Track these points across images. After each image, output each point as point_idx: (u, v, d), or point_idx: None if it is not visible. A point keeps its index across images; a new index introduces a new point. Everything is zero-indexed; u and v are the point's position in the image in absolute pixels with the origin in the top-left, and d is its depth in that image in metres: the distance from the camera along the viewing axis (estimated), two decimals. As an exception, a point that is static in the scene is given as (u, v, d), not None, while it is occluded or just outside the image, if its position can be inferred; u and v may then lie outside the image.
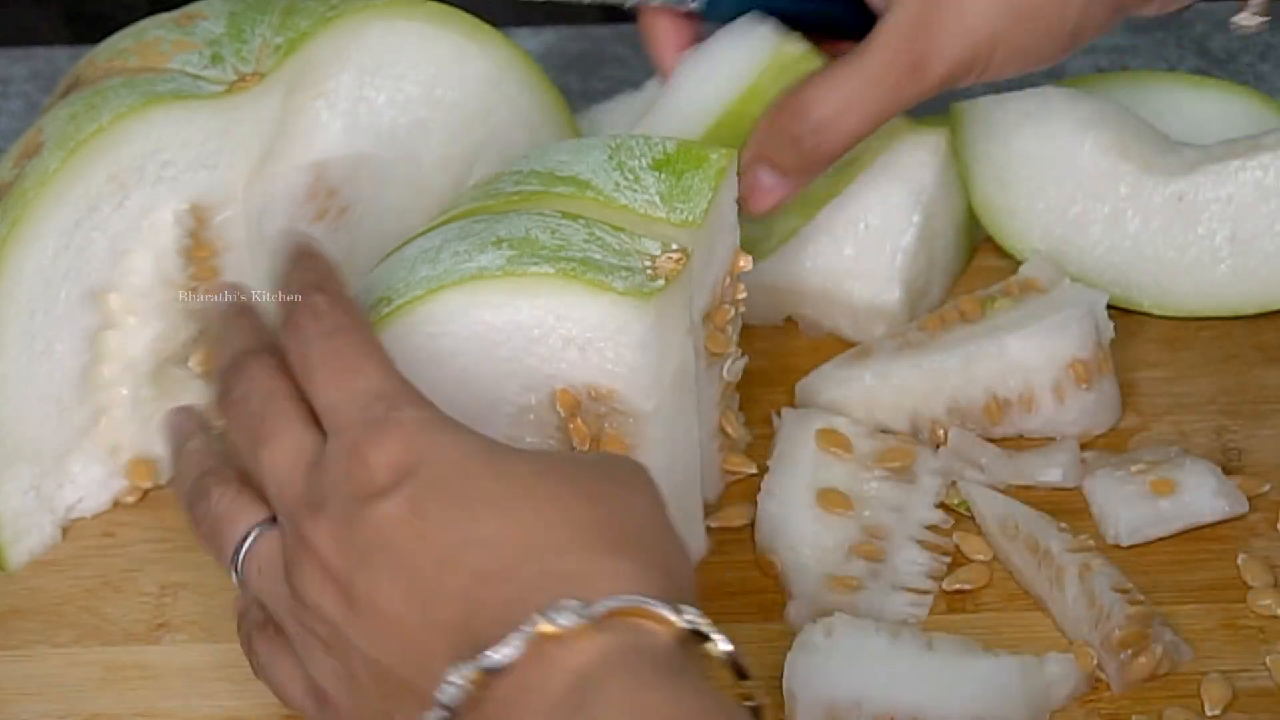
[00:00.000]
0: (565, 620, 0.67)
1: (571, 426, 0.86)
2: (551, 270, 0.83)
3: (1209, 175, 1.01)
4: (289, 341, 0.77)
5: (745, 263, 0.91)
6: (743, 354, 0.93)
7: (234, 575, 0.78)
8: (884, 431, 0.95)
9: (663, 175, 0.88)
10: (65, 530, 0.94)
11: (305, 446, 0.75)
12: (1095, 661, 0.85)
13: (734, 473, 0.95)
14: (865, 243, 1.00)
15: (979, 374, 0.95)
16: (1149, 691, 0.85)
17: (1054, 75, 1.12)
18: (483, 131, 1.00)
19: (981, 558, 0.91)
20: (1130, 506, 0.91)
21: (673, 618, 0.68)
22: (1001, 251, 1.05)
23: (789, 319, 1.03)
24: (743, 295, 0.92)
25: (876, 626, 0.85)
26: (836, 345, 1.00)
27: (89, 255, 0.90)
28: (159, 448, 0.95)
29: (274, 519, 0.76)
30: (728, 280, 0.91)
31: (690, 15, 1.01)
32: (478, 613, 0.69)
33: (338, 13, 0.94)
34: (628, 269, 0.84)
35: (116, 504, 0.95)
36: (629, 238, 0.85)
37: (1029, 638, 0.87)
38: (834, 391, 0.96)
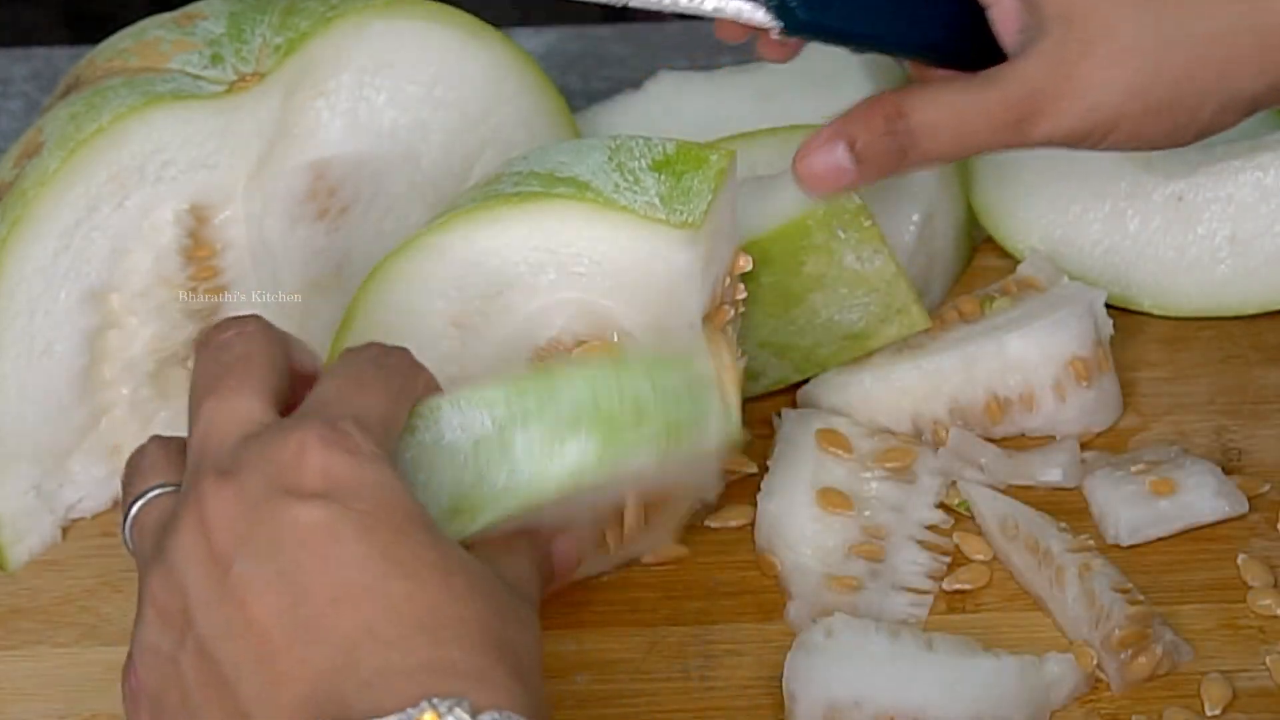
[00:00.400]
0: (451, 718, 0.62)
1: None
2: None
3: (1209, 175, 1.01)
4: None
5: (745, 263, 0.91)
6: (743, 354, 0.93)
7: (124, 535, 0.72)
8: (884, 431, 0.95)
9: (663, 176, 0.88)
10: (65, 530, 0.94)
11: (253, 417, 0.70)
12: (1095, 661, 0.85)
13: (734, 473, 0.95)
14: (865, 243, 1.00)
15: (979, 374, 0.95)
16: (1149, 691, 0.85)
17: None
18: (483, 131, 1.00)
19: (981, 558, 0.91)
20: (1130, 506, 0.91)
21: None
22: (1001, 251, 1.05)
23: (789, 319, 1.03)
24: (743, 295, 0.92)
25: (876, 626, 0.85)
26: (837, 345, 1.00)
27: (89, 255, 0.90)
28: (159, 448, 0.96)
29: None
30: (728, 281, 0.91)
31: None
32: (354, 670, 0.64)
33: (338, 13, 0.94)
34: None
35: (116, 504, 0.95)
36: None
37: (1029, 638, 0.87)
38: (834, 395, 0.96)
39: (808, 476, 0.92)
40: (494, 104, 0.99)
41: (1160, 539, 0.91)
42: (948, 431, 0.94)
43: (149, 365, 0.94)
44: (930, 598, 0.89)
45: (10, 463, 0.91)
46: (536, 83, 1.00)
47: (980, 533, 0.92)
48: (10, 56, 1.24)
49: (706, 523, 0.93)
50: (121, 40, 0.94)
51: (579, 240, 0.88)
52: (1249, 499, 0.92)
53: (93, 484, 0.95)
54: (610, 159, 0.89)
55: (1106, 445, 0.96)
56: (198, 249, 0.94)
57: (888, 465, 0.93)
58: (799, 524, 0.91)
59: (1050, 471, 0.94)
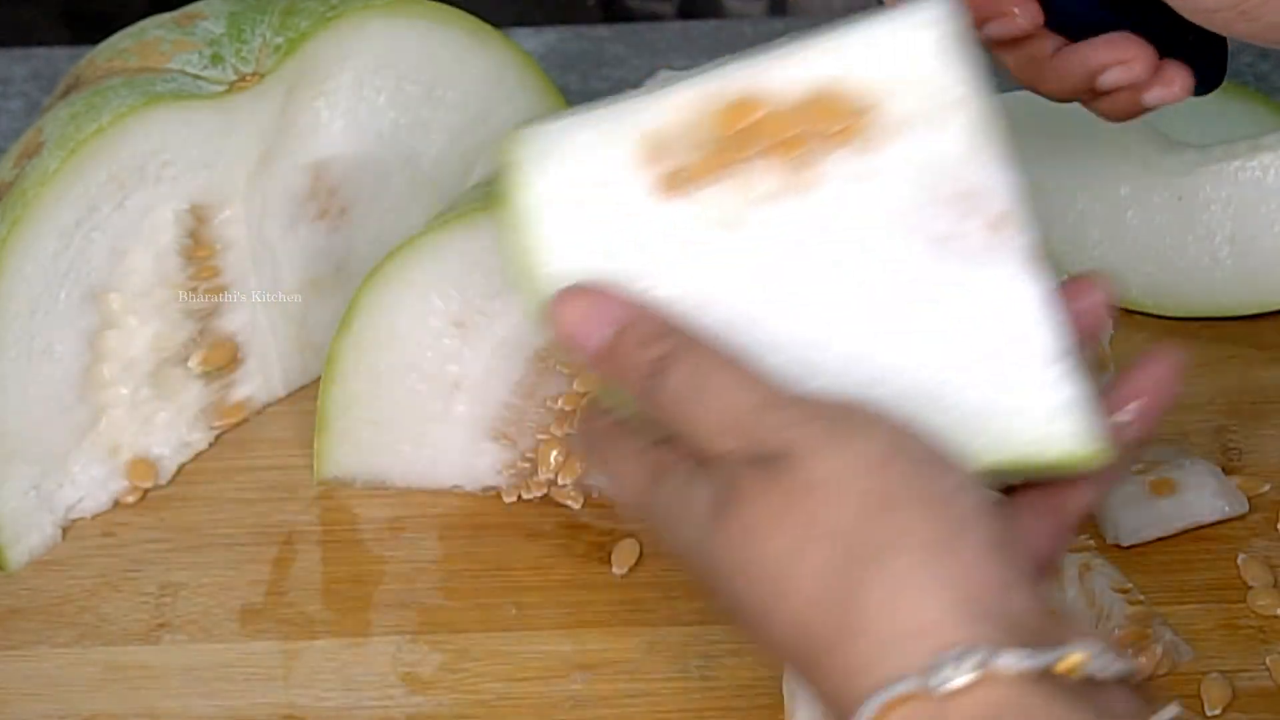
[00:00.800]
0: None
1: None
2: None
3: (1209, 175, 1.01)
4: None
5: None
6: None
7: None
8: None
9: (663, 175, 0.88)
10: (65, 530, 0.94)
11: None
12: (1095, 661, 0.85)
13: (734, 473, 0.95)
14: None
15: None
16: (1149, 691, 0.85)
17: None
18: (483, 131, 1.00)
19: (981, 558, 0.91)
20: (1130, 506, 0.91)
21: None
22: (1001, 251, 1.05)
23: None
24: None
25: (876, 626, 0.84)
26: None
27: (89, 255, 0.90)
28: (159, 448, 0.96)
29: None
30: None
31: None
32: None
33: (338, 13, 0.94)
34: None
35: (116, 504, 0.95)
36: None
37: (1029, 638, 0.87)
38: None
39: (808, 476, 0.92)
40: (494, 104, 0.99)
41: (1160, 539, 0.91)
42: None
43: (149, 365, 0.94)
44: (930, 598, 0.89)
45: (10, 463, 0.91)
46: (536, 83, 1.00)
47: (980, 533, 0.92)
48: (10, 56, 1.24)
49: (706, 523, 0.93)
50: (121, 40, 0.94)
51: None
52: (1249, 499, 0.92)
53: (93, 484, 0.95)
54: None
55: (1106, 445, 0.96)
56: (198, 249, 0.94)
57: (888, 465, 0.93)
58: (799, 524, 0.91)
59: (1050, 471, 0.94)
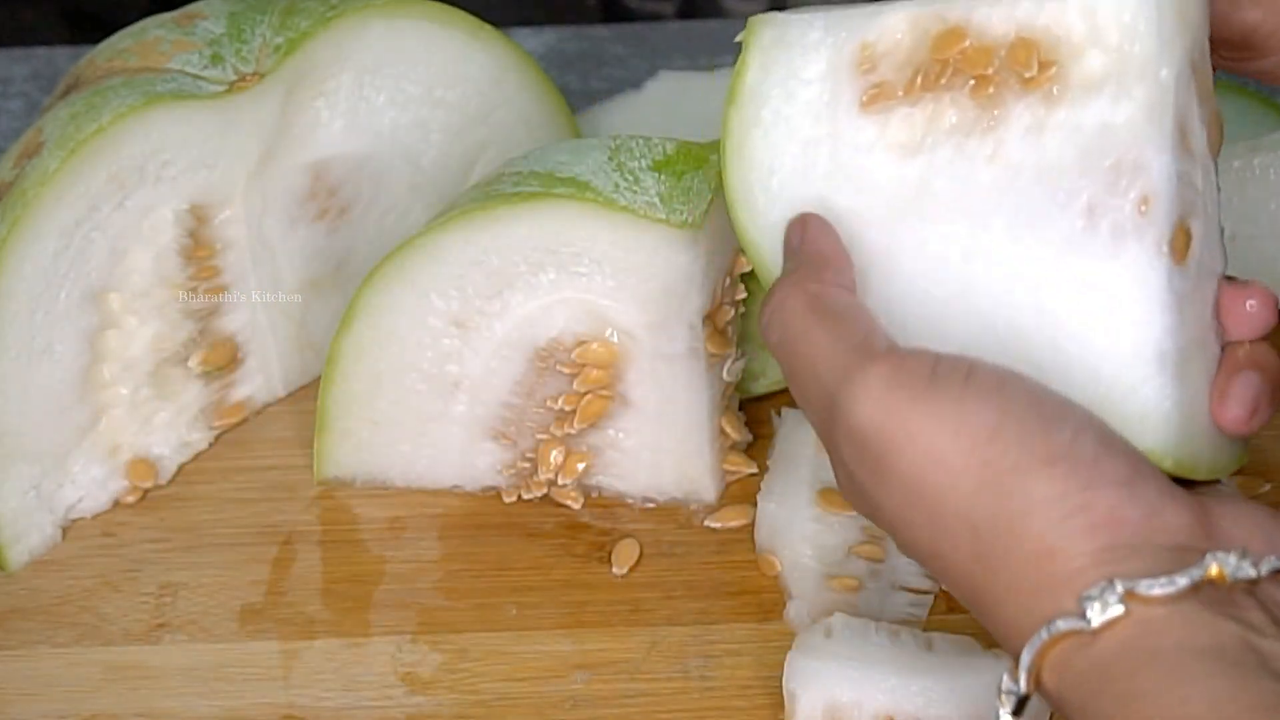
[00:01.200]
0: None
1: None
2: None
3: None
4: None
5: (746, 263, 0.91)
6: (742, 354, 0.93)
7: None
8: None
9: (662, 176, 0.88)
10: (65, 530, 0.94)
11: None
12: (1095, 661, 0.85)
13: (734, 472, 0.95)
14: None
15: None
16: (1149, 691, 0.85)
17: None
18: (483, 131, 1.00)
19: (981, 558, 0.91)
20: (1130, 506, 0.91)
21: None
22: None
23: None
24: (743, 295, 0.92)
25: (876, 626, 0.85)
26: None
27: (89, 255, 0.90)
28: (159, 448, 0.96)
29: None
30: (728, 281, 0.91)
31: None
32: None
33: (338, 13, 0.94)
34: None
35: (116, 504, 0.95)
36: None
37: (1029, 638, 0.87)
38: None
39: (808, 476, 0.92)
40: (494, 104, 0.99)
41: (1160, 539, 0.91)
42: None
43: (149, 365, 0.94)
44: (930, 597, 0.89)
45: (10, 463, 0.91)
46: (536, 83, 1.00)
47: (980, 533, 0.92)
48: (10, 56, 1.24)
49: (706, 523, 0.93)
50: (121, 40, 0.94)
51: (579, 240, 0.88)
52: (1249, 499, 0.92)
53: (93, 484, 0.95)
54: (610, 159, 0.89)
55: (1106, 445, 0.96)
56: (198, 249, 0.94)
57: (888, 465, 0.93)
58: (799, 524, 0.91)
59: (1050, 471, 0.94)
